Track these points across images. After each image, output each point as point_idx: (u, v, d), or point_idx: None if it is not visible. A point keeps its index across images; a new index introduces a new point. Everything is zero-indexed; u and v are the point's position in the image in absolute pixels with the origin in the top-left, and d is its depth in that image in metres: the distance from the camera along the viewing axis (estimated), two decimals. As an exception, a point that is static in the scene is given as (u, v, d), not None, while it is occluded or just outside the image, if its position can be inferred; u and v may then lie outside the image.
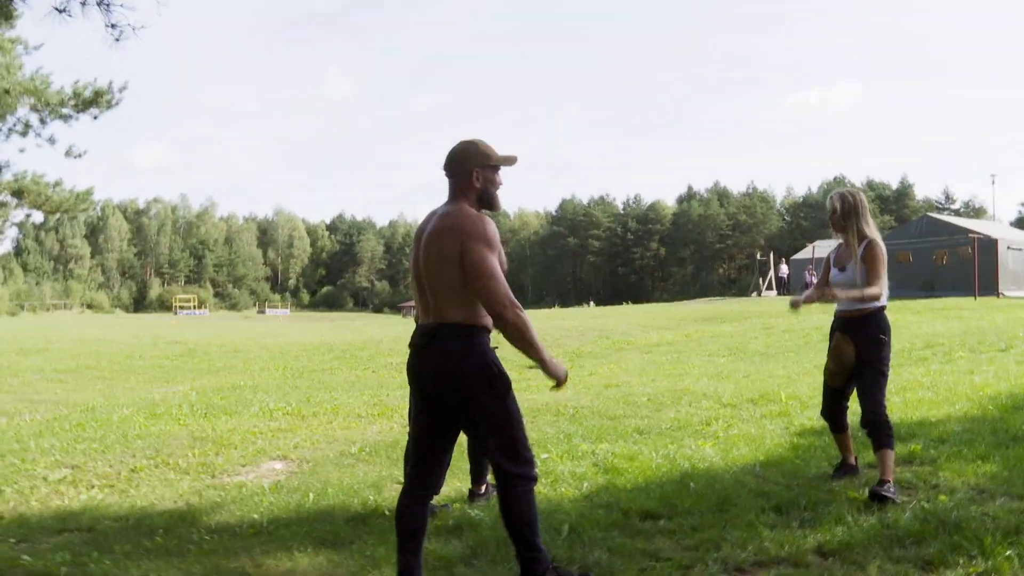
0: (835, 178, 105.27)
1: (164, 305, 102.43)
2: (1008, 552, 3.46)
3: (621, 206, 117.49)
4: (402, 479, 5.90)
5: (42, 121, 15.91)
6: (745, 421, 7.32)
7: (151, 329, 35.86)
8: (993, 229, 39.08)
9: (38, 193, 17.29)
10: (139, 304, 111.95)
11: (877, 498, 4.31)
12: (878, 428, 4.64)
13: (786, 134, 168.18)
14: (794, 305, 4.95)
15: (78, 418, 9.59)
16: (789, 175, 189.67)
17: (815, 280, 5.22)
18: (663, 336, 20.14)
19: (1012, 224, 78.00)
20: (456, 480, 5.48)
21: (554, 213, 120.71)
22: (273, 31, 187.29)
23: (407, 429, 8.47)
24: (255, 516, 4.95)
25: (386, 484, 5.68)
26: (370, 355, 19.04)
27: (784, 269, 43.34)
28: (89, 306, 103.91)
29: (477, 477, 5.13)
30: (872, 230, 4.76)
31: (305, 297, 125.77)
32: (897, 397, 5.44)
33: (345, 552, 4.17)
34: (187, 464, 6.84)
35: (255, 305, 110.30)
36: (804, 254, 43.63)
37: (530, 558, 3.38)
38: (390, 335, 24.33)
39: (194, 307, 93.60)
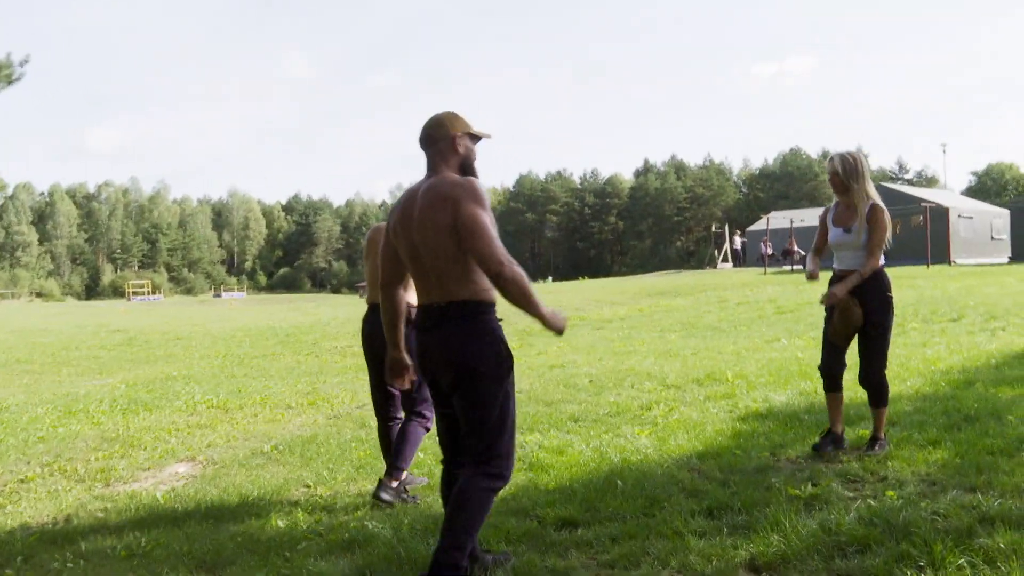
0: (791, 149, 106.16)
1: (117, 292, 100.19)
2: (960, 561, 3.04)
3: (578, 181, 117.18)
4: (308, 482, 5.48)
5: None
6: (688, 404, 6.91)
7: (97, 317, 34.78)
8: (944, 198, 39.42)
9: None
10: (91, 291, 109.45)
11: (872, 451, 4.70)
12: (880, 389, 4.89)
13: (742, 107, 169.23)
14: (812, 278, 5.15)
15: (-18, 419, 8.92)
16: (746, 148, 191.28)
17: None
18: (616, 311, 19.81)
19: (963, 193, 79.18)
20: (364, 480, 4.99)
21: (512, 189, 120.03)
22: (230, 11, 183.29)
23: (332, 421, 8.08)
24: (135, 534, 4.40)
25: (289, 489, 5.17)
26: (315, 339, 18.42)
27: (739, 241, 43.27)
28: (39, 294, 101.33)
29: (394, 468, 4.61)
30: (874, 192, 4.87)
31: (262, 279, 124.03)
32: (849, 374, 5.10)
33: (221, 577, 3.66)
34: (85, 471, 6.26)
35: (211, 289, 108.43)
36: (759, 225, 43.59)
37: (453, 555, 3.10)
38: (339, 317, 23.70)
39: (148, 293, 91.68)
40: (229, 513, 4.66)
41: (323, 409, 8.59)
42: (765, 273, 29.63)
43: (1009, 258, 33.16)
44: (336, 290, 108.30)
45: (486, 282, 3.20)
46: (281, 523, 4.34)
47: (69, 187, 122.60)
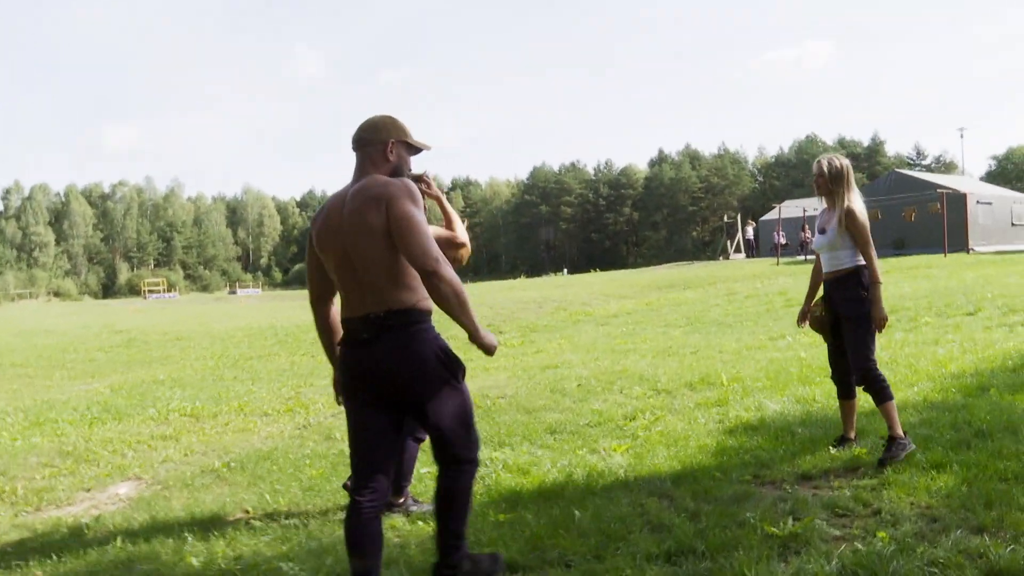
0: (807, 137, 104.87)
1: (133, 290, 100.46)
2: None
3: (592, 171, 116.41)
4: (249, 506, 5.00)
5: None
6: (675, 412, 6.38)
7: (105, 317, 34.61)
8: (962, 183, 38.52)
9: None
10: (108, 290, 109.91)
11: (887, 463, 4.36)
12: (870, 383, 4.64)
13: (757, 94, 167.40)
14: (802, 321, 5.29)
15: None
16: (761, 136, 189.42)
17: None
18: (623, 306, 19.31)
19: (982, 178, 77.66)
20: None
21: (526, 181, 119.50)
22: (243, 9, 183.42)
23: (299, 432, 7.61)
24: (38, 573, 3.94)
25: (226, 515, 4.69)
26: (314, 338, 17.83)
27: (751, 231, 42.50)
28: (56, 294, 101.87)
29: (398, 487, 4.48)
30: (854, 197, 4.81)
31: (278, 275, 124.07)
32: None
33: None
34: (24, 491, 5.83)
35: (226, 286, 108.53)
36: (772, 215, 42.80)
37: (453, 545, 3.21)
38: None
39: (164, 291, 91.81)
40: (147, 547, 4.18)
41: (297, 417, 8.17)
42: (778, 263, 28.96)
43: (1030, 244, 32.36)
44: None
45: (424, 291, 3.06)
46: (196, 561, 3.86)
47: (84, 187, 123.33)
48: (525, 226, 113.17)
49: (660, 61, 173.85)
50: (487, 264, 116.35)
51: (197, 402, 9.51)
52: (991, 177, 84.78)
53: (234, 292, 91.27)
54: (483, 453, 5.51)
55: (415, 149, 3.33)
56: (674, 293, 21.12)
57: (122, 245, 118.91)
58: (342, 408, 3.32)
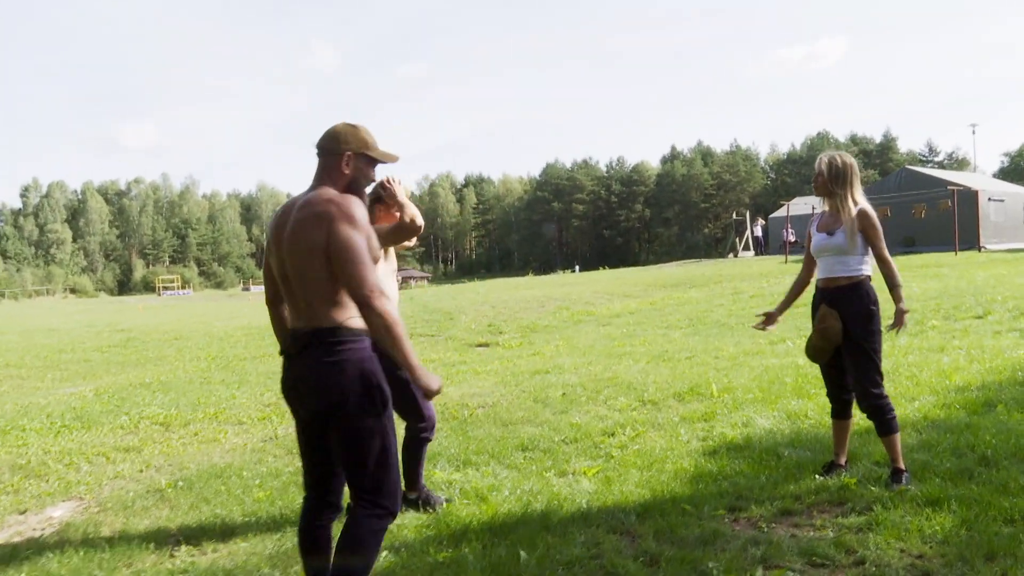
0: (819, 133, 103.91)
1: (149, 287, 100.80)
2: None
3: (605, 168, 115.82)
4: (182, 536, 4.60)
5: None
6: (658, 427, 5.93)
7: (112, 315, 34.50)
8: (974, 180, 37.79)
9: None
10: (124, 287, 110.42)
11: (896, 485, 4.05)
12: (878, 414, 4.26)
13: (770, 91, 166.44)
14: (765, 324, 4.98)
15: None
16: (773, 132, 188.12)
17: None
18: (626, 305, 18.86)
19: (995, 175, 76.47)
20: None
21: (538, 178, 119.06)
22: (258, 3, 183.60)
23: (263, 445, 7.22)
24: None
25: (153, 548, 4.28)
26: (309, 339, 17.69)
27: (759, 228, 41.89)
28: (73, 290, 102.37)
29: (413, 480, 4.48)
30: (862, 197, 4.52)
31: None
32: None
33: None
34: (-42, 512, 5.46)
35: (241, 282, 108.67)
36: (781, 212, 42.20)
37: None
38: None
39: (178, 287, 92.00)
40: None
41: (270, 426, 7.82)
42: (786, 261, 28.37)
43: (1045, 242, 31.62)
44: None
45: (355, 310, 2.91)
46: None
47: (100, 185, 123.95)
48: (537, 223, 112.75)
49: (673, 58, 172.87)
50: (499, 261, 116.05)
51: (174, 408, 9.17)
52: (1004, 174, 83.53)
53: (248, 289, 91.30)
54: (444, 475, 5.13)
55: (375, 161, 3.14)
56: (679, 292, 20.65)
57: (138, 242, 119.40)
58: None
